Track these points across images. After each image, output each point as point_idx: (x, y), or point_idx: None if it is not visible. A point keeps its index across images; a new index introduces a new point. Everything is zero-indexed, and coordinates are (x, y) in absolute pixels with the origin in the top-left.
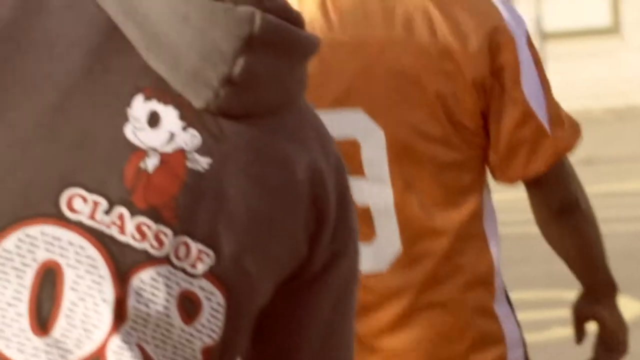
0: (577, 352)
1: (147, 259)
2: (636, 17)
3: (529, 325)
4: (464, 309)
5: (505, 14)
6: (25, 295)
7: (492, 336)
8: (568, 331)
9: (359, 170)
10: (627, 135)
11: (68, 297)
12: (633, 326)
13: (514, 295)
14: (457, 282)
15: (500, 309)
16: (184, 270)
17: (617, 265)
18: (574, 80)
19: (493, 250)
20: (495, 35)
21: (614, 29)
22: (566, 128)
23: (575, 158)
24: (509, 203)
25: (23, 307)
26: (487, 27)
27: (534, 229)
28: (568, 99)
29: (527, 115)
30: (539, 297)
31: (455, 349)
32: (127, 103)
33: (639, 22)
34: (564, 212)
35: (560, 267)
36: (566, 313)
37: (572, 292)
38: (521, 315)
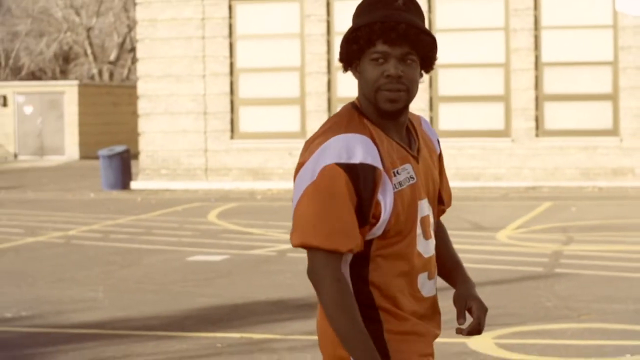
0: None
1: None
2: None
3: (611, 350)
4: None
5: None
6: None
7: None
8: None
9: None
10: None
11: None
12: None
13: (604, 326)
14: None
15: None
16: None
17: None
18: None
19: None
20: None
21: None
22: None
23: None
24: (614, 253)
25: None
26: None
27: (632, 275)
28: None
29: None
30: (623, 329)
31: None
32: None
33: None
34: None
35: None
36: None
37: None
38: (606, 342)
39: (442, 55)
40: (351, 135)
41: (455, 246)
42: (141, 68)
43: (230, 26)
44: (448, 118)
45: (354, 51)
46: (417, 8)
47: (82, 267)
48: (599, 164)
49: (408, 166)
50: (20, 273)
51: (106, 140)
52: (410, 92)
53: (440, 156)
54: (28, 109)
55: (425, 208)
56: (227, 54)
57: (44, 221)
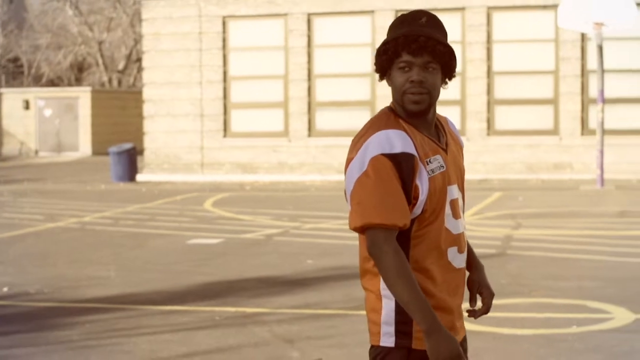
0: (587, 343)
1: None
2: None
3: (559, 322)
4: None
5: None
6: None
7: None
8: (587, 328)
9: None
10: None
11: None
12: (627, 331)
13: (551, 300)
14: None
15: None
16: None
17: (625, 286)
18: (621, 161)
19: None
20: None
21: None
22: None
23: (613, 210)
24: (557, 237)
25: None
26: None
27: (573, 256)
28: (617, 173)
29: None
30: (568, 304)
31: None
32: None
33: None
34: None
35: (587, 284)
36: (586, 316)
37: (594, 302)
38: (554, 315)
39: None
40: (390, 131)
41: None
42: (146, 76)
43: (224, 40)
44: None
45: (384, 61)
46: (439, 24)
47: (96, 249)
48: (542, 159)
49: (439, 156)
50: (42, 254)
51: (115, 138)
52: (431, 95)
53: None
54: (47, 112)
55: (454, 192)
56: (221, 63)
57: (62, 209)
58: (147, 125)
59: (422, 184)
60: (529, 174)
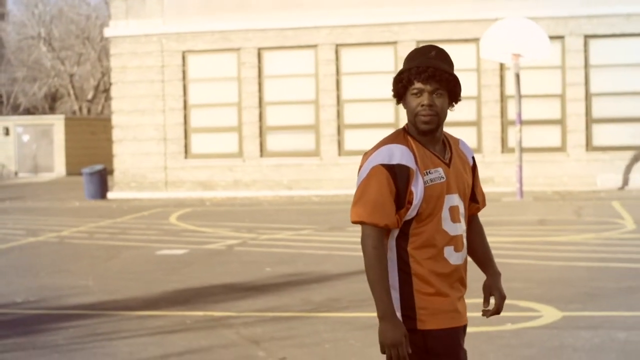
0: (521, 339)
1: None
2: (574, 141)
3: (495, 321)
4: None
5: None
6: None
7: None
8: (520, 325)
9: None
10: (566, 208)
11: None
12: (556, 327)
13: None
14: None
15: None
16: None
17: (550, 286)
18: (538, 175)
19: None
20: None
21: (562, 148)
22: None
23: (533, 219)
24: (489, 244)
25: None
26: None
27: (502, 260)
28: (535, 186)
29: None
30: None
31: None
32: None
33: (574, 145)
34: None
35: (517, 285)
36: (519, 314)
37: (524, 302)
38: None
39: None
40: (394, 145)
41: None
42: (115, 105)
43: (184, 72)
44: (353, 141)
45: (400, 88)
46: (446, 57)
47: (74, 260)
48: None
49: (440, 169)
50: (26, 266)
51: (86, 160)
52: (439, 116)
53: (474, 167)
54: (25, 137)
55: (454, 200)
56: (181, 93)
57: (42, 224)
58: (116, 149)
59: (417, 191)
60: None
